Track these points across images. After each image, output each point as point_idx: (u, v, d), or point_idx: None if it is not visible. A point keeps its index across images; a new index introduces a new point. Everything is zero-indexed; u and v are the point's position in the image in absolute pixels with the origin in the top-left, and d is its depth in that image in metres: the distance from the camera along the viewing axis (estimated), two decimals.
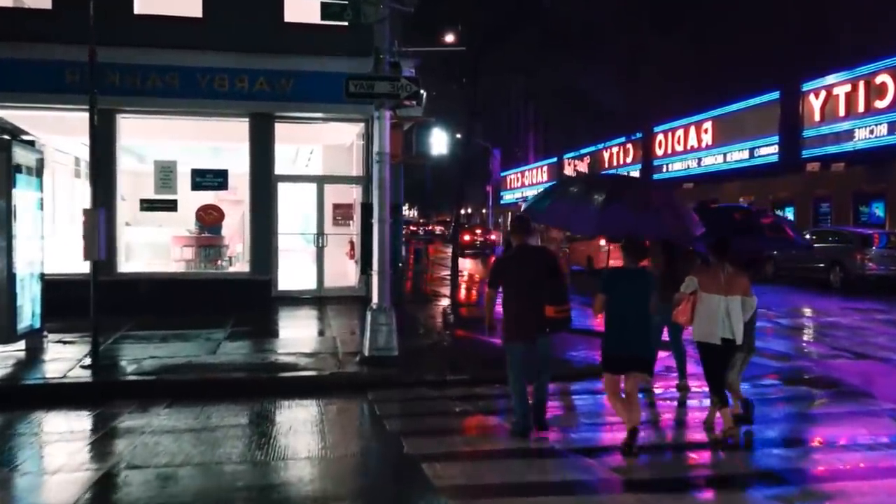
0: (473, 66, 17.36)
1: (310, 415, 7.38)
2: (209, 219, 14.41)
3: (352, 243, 14.68)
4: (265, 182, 13.90)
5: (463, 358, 9.32)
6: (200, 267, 15.33)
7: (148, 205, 13.88)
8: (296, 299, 14.11)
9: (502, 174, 53.98)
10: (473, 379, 8.53)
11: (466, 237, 38.39)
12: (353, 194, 15.20)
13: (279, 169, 14.47)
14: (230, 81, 13.38)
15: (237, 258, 15.42)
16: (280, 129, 14.50)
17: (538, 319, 5.97)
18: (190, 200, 14.27)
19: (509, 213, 48.40)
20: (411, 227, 47.62)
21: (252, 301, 13.38)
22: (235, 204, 15.40)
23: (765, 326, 12.48)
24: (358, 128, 14.92)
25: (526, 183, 50.32)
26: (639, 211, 5.69)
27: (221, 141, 15.72)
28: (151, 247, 16.47)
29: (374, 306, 9.34)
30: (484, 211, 55.36)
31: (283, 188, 14.37)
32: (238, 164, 14.16)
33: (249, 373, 8.61)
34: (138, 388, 7.97)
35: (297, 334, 11.41)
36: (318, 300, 14.17)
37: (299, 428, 6.84)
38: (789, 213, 28.18)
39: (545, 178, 47.04)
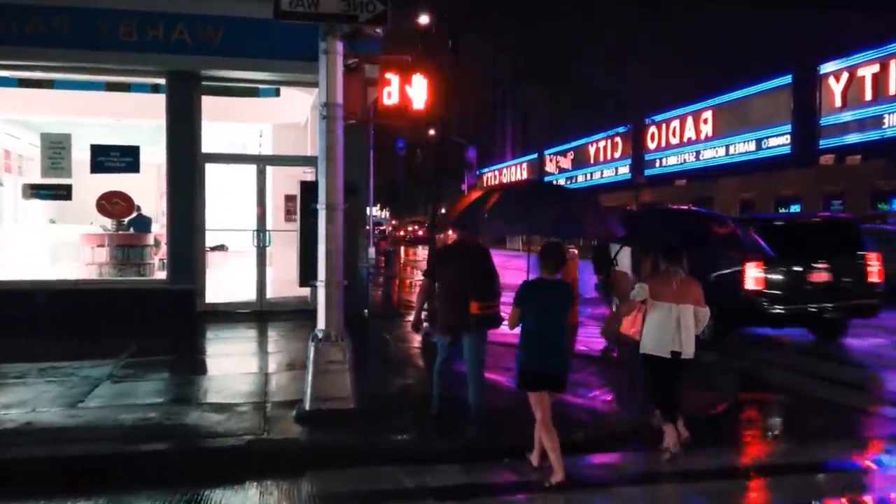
0: (452, 43, 14.58)
1: None
2: (114, 210, 11.16)
3: None
4: (187, 162, 10.66)
5: (453, 409, 6.27)
6: (116, 272, 12.09)
7: (33, 192, 10.60)
8: (229, 315, 10.91)
9: (479, 172, 51.13)
10: (471, 450, 5.52)
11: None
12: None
13: (210, 147, 11.26)
14: (139, 28, 10.13)
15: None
16: (216, 103, 11.36)
17: (462, 314, 5.79)
18: (108, 187, 11.01)
19: None
20: (381, 227, 44.97)
21: (170, 317, 10.18)
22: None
23: None
24: (312, 97, 11.76)
25: (504, 181, 47.40)
26: (557, 217, 5.65)
27: (133, 117, 12.42)
28: (62, 247, 13.25)
29: (320, 334, 6.25)
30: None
31: (213, 172, 11.19)
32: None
33: (113, 443, 5.44)
34: None
35: (215, 369, 8.26)
36: (259, 316, 10.99)
37: None
38: (795, 211, 25.75)
39: (524, 175, 44.22)
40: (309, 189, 6.93)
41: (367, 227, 33.51)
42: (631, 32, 29.91)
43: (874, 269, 9.49)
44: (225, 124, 14.08)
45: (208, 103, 11.23)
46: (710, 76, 27.23)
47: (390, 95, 6.45)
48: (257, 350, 9.04)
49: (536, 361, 5.03)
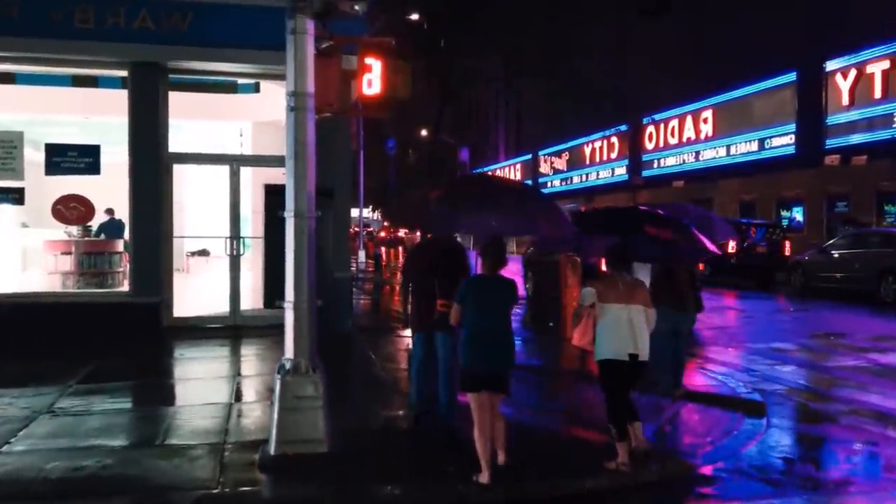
0: (446, 37, 13.70)
1: None
2: (72, 216, 10.15)
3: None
4: (153, 162, 9.69)
5: (455, 453, 5.33)
6: (82, 282, 11.10)
7: None
8: (198, 330, 9.93)
9: (472, 173, 50.15)
10: None
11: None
12: None
13: (188, 147, 10.26)
14: (98, 15, 9.14)
15: None
16: (193, 99, 10.42)
17: (430, 311, 5.72)
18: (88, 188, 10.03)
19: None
20: (369, 229, 43.91)
21: (132, 335, 9.19)
22: None
23: (860, 366, 8.85)
24: None
25: None
26: (506, 213, 5.60)
27: (103, 114, 11.39)
28: (32, 253, 12.21)
29: (288, 364, 5.30)
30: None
31: (193, 174, 10.21)
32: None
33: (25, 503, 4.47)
34: None
35: (172, 398, 7.29)
36: (233, 331, 10.01)
37: None
38: (798, 214, 24.95)
39: (519, 176, 43.26)
40: (275, 193, 5.97)
41: (358, 229, 32.15)
42: (629, 29, 29.06)
43: None
44: (203, 122, 13.11)
45: (184, 100, 10.29)
46: (709, 74, 26.41)
47: (371, 84, 5.50)
48: (226, 373, 8.04)
49: (478, 361, 4.87)
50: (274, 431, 5.18)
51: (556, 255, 10.77)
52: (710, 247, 6.83)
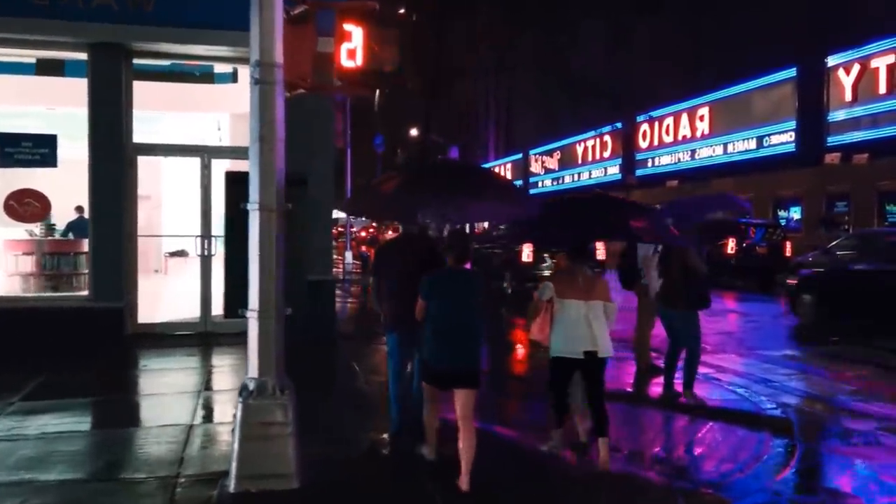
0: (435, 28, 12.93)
1: None
2: (25, 212, 9.25)
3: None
4: (114, 154, 8.83)
5: (438, 481, 4.54)
6: (44, 286, 10.22)
7: None
8: (166, 338, 9.08)
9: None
10: None
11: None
12: None
13: (153, 138, 9.42)
14: None
15: None
16: (168, 90, 9.64)
17: (407, 309, 5.08)
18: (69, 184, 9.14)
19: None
20: (352, 228, 42.50)
21: (91, 343, 8.35)
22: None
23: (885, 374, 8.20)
24: None
25: None
26: (466, 201, 5.45)
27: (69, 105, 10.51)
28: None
29: (252, 385, 4.49)
30: None
31: (159, 167, 9.38)
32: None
33: None
34: None
35: (126, 419, 6.36)
36: (203, 339, 9.16)
37: None
38: (796, 214, 24.36)
39: (509, 176, 42.54)
40: (238, 182, 5.13)
41: (343, 229, 31.16)
42: (622, 23, 28.37)
43: None
44: (180, 115, 12.28)
45: (159, 90, 9.50)
46: (705, 70, 25.79)
47: (352, 55, 4.69)
48: (191, 388, 7.19)
49: (443, 358, 4.68)
50: (234, 465, 4.37)
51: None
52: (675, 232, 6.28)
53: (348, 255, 28.41)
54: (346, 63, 4.77)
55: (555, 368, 5.16)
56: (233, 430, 4.53)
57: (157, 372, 7.84)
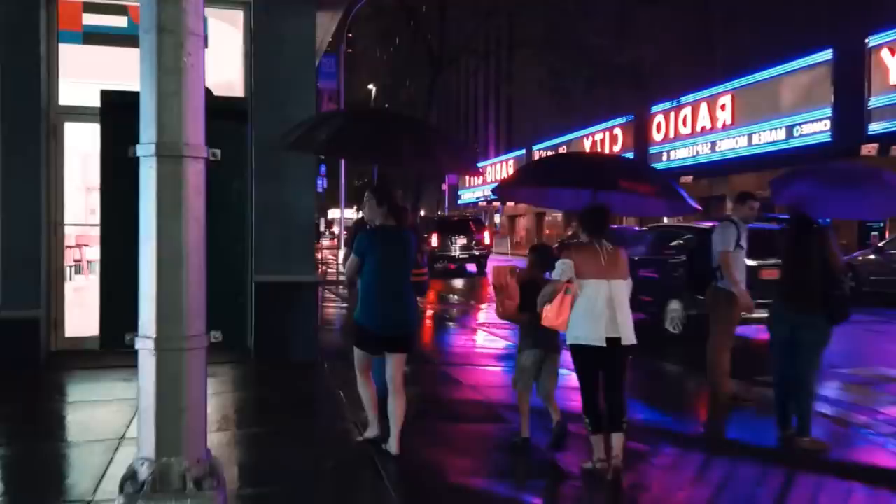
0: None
1: None
2: None
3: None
4: (31, 120, 6.80)
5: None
6: None
7: None
8: (98, 357, 7.05)
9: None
10: None
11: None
12: None
13: (72, 98, 7.34)
14: None
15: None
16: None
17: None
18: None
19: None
20: None
21: (4, 361, 6.34)
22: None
23: None
24: (238, 37, 7.93)
25: (488, 180, 43.79)
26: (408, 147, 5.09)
27: None
28: None
29: (144, 474, 2.49)
30: (440, 213, 48.80)
31: (78, 135, 7.37)
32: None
33: None
34: None
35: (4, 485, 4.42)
36: None
37: None
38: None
39: (511, 173, 40.70)
40: (119, 110, 3.05)
41: (335, 230, 29.11)
42: (634, 7, 26.53)
43: None
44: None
45: (123, 56, 7.49)
46: (726, 56, 23.92)
47: None
48: (110, 433, 5.13)
49: (375, 318, 4.56)
50: None
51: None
52: (692, 203, 5.22)
53: (341, 254, 26.44)
54: None
55: (575, 358, 4.56)
56: None
57: (71, 406, 5.84)
